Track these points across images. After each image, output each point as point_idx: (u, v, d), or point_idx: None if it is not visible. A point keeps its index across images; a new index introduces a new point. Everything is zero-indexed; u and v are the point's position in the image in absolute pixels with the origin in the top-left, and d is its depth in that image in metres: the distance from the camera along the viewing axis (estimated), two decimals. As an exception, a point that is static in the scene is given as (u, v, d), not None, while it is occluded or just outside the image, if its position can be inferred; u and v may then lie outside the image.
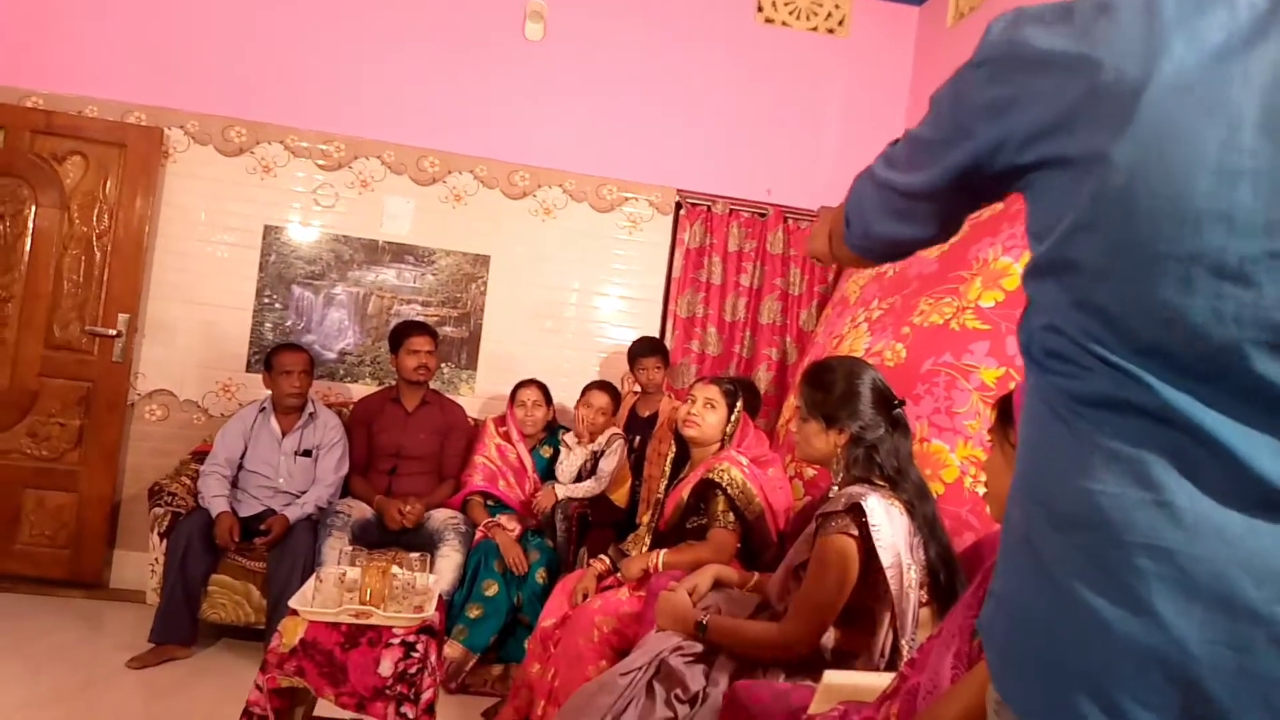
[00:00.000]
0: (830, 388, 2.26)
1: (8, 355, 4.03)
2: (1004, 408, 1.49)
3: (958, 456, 2.68)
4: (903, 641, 2.02)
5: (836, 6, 4.74)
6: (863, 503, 2.05)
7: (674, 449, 3.11)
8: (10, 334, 4.03)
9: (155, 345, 4.22)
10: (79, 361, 4.07)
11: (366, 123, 4.35)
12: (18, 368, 4.03)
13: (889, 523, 2.05)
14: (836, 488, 2.19)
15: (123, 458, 4.16)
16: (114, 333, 4.07)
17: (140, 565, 3.74)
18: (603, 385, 4.07)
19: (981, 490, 2.57)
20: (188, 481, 3.71)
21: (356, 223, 4.38)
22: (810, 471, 3.22)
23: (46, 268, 4.05)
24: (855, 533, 2.04)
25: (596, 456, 3.96)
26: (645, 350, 4.14)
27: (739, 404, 2.95)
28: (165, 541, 3.47)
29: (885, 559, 2.03)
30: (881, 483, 2.14)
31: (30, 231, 4.04)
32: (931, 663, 1.49)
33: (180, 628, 3.40)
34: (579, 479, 3.94)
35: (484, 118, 4.45)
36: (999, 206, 3.22)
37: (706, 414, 2.93)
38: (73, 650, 3.39)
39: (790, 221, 4.72)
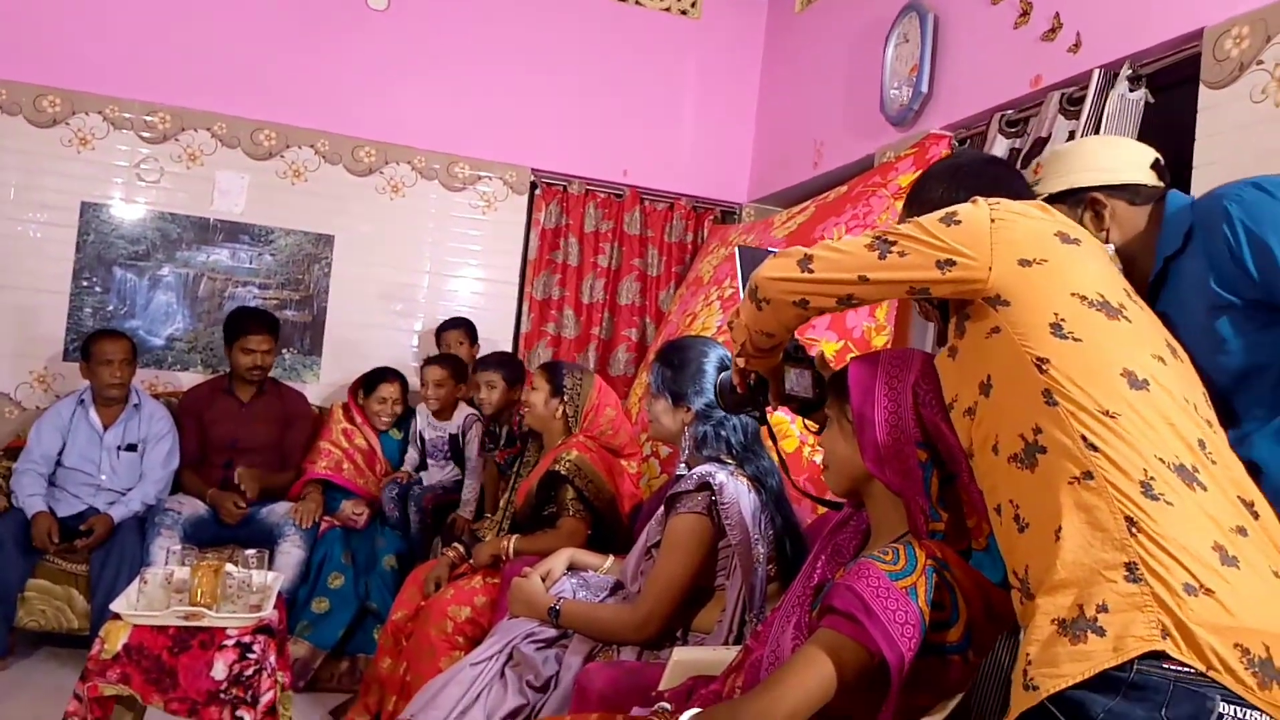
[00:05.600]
0: (680, 366, 2.27)
1: None
2: (839, 382, 1.50)
3: (798, 427, 2.74)
4: (750, 616, 2.04)
5: (689, -13, 4.75)
6: (712, 480, 2.06)
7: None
8: None
9: (-43, 333, 3.85)
10: None
11: (195, 92, 4.07)
12: None
13: (738, 500, 2.06)
14: (685, 465, 2.19)
15: (-80, 457, 3.78)
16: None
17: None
18: (436, 360, 3.89)
19: (818, 458, 2.63)
20: (1, 480, 3.41)
21: (185, 200, 4.10)
22: (666, 450, 3.24)
23: None
24: (705, 510, 2.05)
25: (456, 441, 3.85)
26: (477, 367, 3.65)
27: (569, 384, 2.93)
28: (-27, 546, 3.19)
29: (734, 536, 2.05)
30: (730, 460, 2.16)
31: None
32: (773, 634, 1.50)
33: (-6, 638, 3.14)
34: (427, 460, 3.87)
35: (325, 89, 4.24)
36: (843, 188, 3.31)
37: (529, 397, 2.97)
38: None
39: (647, 203, 4.72)
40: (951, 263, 1.23)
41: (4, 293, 3.88)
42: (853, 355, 2.74)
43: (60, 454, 3.43)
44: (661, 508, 2.18)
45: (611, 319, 4.70)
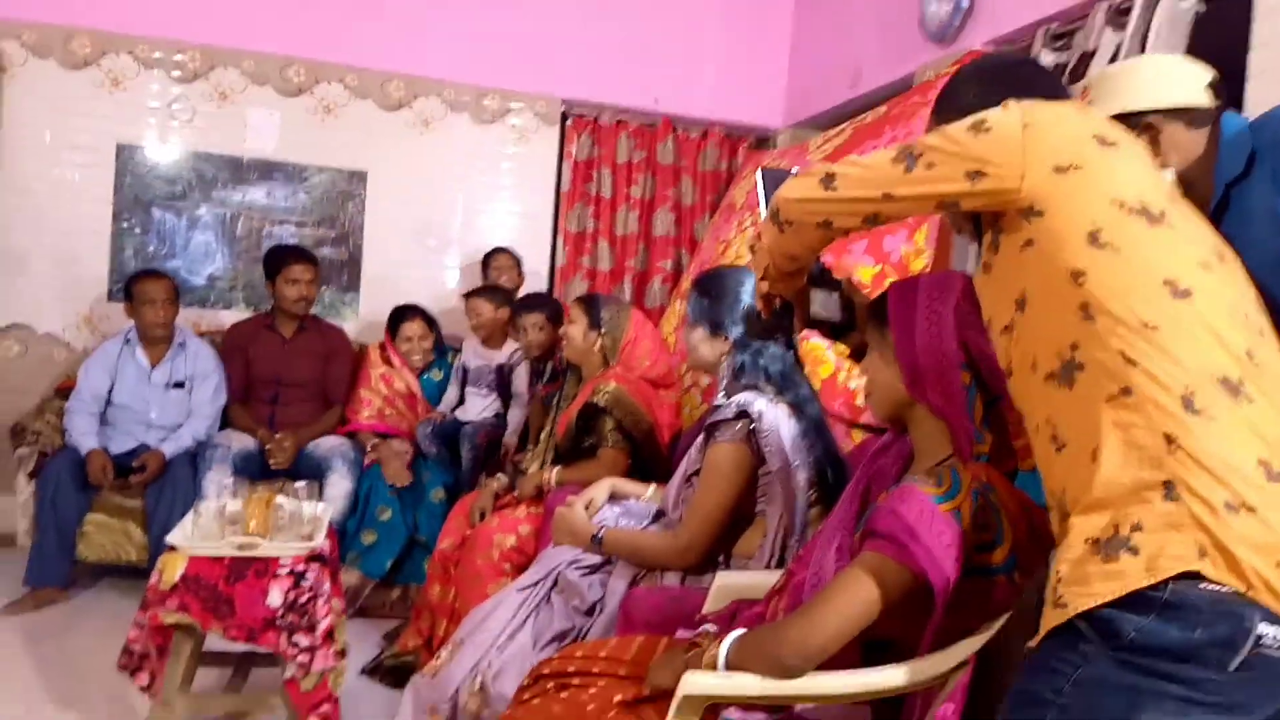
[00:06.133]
0: (717, 295, 2.27)
1: None
2: (879, 308, 1.49)
3: (834, 353, 2.73)
4: (792, 541, 2.06)
5: (718, -96, 4.60)
6: (750, 409, 2.07)
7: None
8: None
9: (6, 277, 3.91)
10: (-81, 299, 3.77)
11: (222, 30, 4.04)
12: None
13: (777, 427, 2.07)
14: (724, 394, 2.19)
15: (-22, 397, 3.89)
16: (-45, 265, 3.77)
17: (8, 509, 3.53)
18: (477, 292, 3.92)
19: (854, 384, 2.63)
20: (53, 419, 3.52)
21: (218, 139, 4.10)
22: (706, 380, 3.24)
23: None
24: (744, 438, 2.07)
25: (503, 371, 3.88)
26: (519, 310, 3.64)
27: (606, 317, 2.93)
28: (34, 482, 3.33)
29: (774, 462, 2.06)
30: (769, 388, 2.16)
31: None
32: (815, 557, 1.51)
33: (55, 570, 3.28)
34: (466, 393, 3.89)
35: (352, 23, 4.18)
36: (882, 109, 3.23)
37: (568, 329, 2.96)
38: (-61, 601, 3.22)
39: (680, 131, 4.65)
40: (981, 174, 1.17)
41: (47, 236, 3.94)
42: (891, 280, 2.71)
43: (110, 393, 3.51)
44: (701, 436, 2.20)
45: (646, 251, 4.68)
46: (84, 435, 3.38)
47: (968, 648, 1.30)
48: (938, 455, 1.43)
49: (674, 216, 4.67)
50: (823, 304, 1.60)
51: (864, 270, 2.79)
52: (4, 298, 3.92)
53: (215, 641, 2.50)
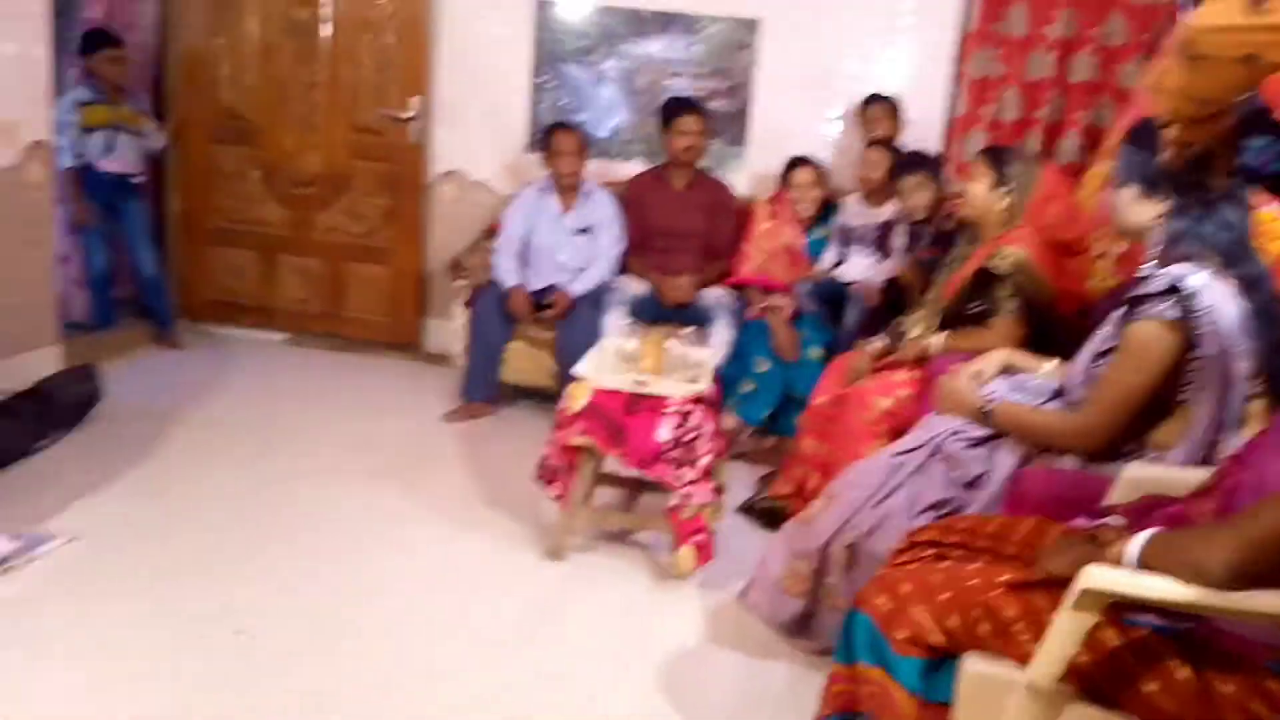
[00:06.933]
0: (1155, 148, 1.96)
1: (321, 139, 4.43)
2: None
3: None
4: (1222, 437, 1.81)
5: None
6: (1183, 283, 1.80)
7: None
8: (320, 119, 4.41)
9: (445, 127, 4.42)
10: (381, 144, 4.39)
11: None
12: (331, 151, 4.43)
13: (1220, 305, 1.79)
14: (1155, 263, 1.93)
15: (426, 234, 4.50)
16: (409, 115, 4.31)
17: (448, 331, 4.12)
18: (878, 142, 3.75)
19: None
20: (483, 257, 3.96)
21: (623, -11, 4.23)
22: (1118, 248, 2.88)
23: (345, 53, 4.32)
24: (1174, 316, 1.81)
25: (883, 229, 3.74)
26: (899, 172, 3.45)
27: (1016, 172, 2.63)
28: (467, 311, 3.83)
29: (1209, 347, 1.80)
30: (1212, 259, 1.86)
31: (326, 18, 4.29)
32: (1259, 457, 1.31)
33: (485, 388, 3.79)
34: (848, 252, 3.81)
35: None
36: None
37: (970, 186, 2.70)
38: (403, 402, 3.92)
39: (1111, -45, 4.01)
40: None
41: (479, 89, 4.35)
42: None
43: (529, 235, 3.89)
44: (1120, 310, 1.96)
45: (1061, 99, 4.16)
46: (507, 273, 3.80)
47: None
48: None
49: (1097, 60, 4.09)
50: (1258, 153, 1.30)
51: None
52: (445, 146, 4.44)
53: (613, 465, 2.76)
